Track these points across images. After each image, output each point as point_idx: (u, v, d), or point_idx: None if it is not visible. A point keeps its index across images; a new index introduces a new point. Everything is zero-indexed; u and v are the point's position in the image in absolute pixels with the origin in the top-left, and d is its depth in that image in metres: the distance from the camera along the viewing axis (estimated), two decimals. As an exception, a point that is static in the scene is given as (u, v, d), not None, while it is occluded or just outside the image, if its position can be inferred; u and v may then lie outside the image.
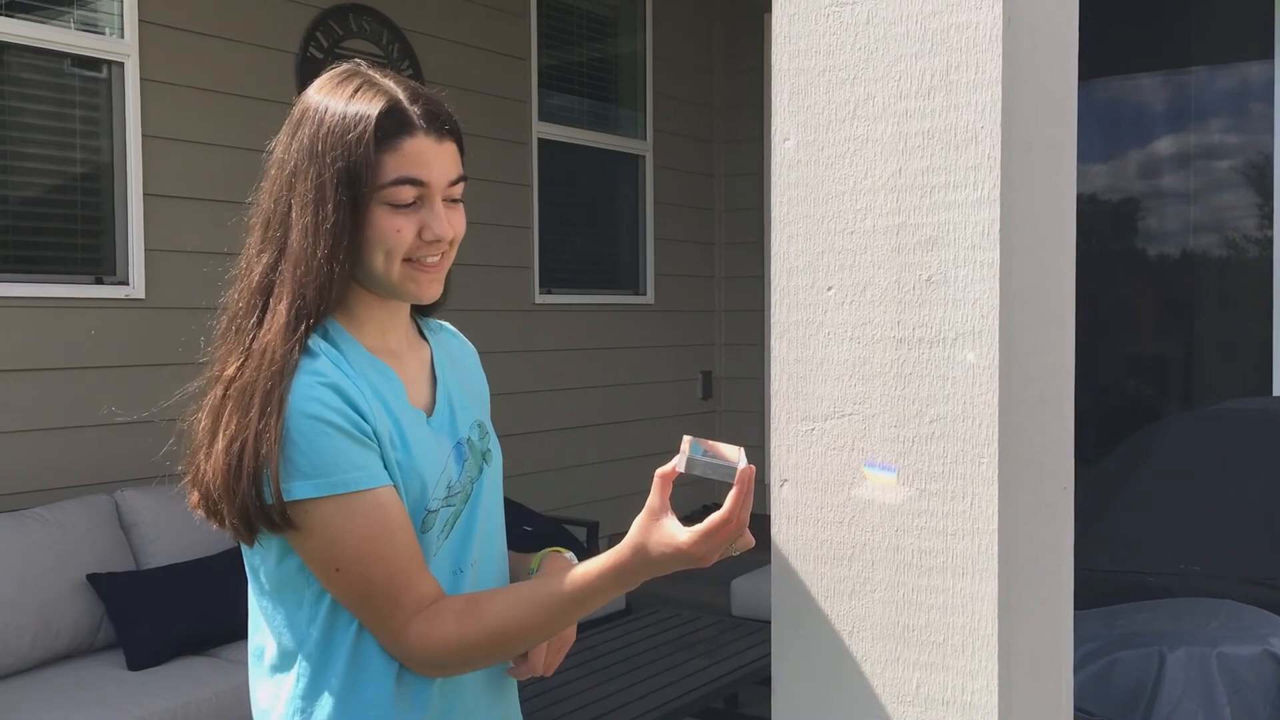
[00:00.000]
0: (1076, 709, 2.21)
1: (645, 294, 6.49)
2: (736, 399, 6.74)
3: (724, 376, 7.01)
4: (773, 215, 1.16)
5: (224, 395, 1.23)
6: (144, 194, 4.12)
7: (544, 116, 5.82)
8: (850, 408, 1.12)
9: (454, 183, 1.28)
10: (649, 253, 6.51)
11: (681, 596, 4.96)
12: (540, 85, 5.79)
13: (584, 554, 1.22)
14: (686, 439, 1.15)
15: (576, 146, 6.06)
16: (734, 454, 1.14)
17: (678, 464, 1.13)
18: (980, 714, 1.05)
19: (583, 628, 4.14)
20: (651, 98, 6.50)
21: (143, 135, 4.12)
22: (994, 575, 1.04)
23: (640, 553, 1.15)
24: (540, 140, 5.77)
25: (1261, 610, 2.55)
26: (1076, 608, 1.22)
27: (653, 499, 1.14)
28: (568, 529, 4.83)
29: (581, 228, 6.36)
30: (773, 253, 1.16)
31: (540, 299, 5.72)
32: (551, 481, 5.61)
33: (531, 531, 4.54)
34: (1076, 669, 2.34)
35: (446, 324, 1.49)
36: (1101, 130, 5.92)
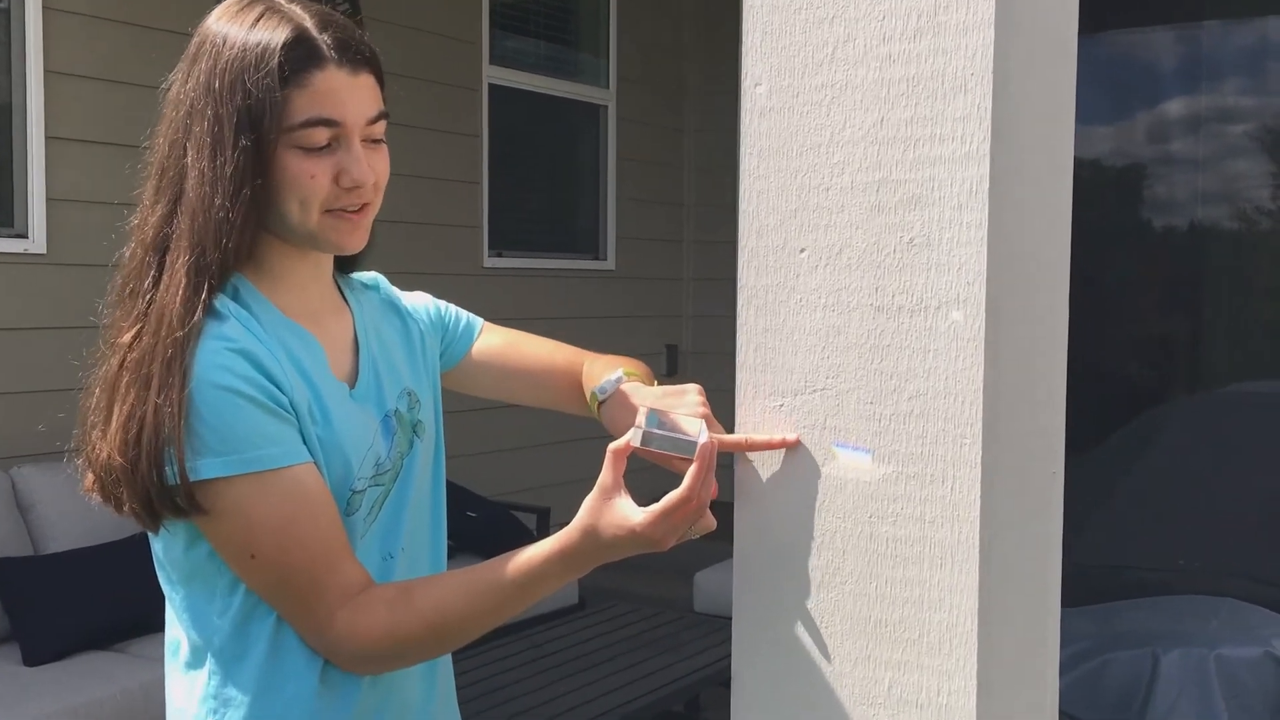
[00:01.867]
0: (1063, 713, 2.24)
1: (605, 259, 6.48)
2: (705, 376, 6.74)
3: (691, 351, 7.02)
4: (741, 169, 1.15)
5: (120, 365, 1.20)
6: (46, 137, 4.05)
7: (496, 60, 5.77)
8: (823, 382, 1.12)
9: (373, 120, 1.25)
10: (610, 214, 6.49)
11: (639, 590, 4.98)
12: (492, 25, 5.74)
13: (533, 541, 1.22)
14: (642, 410, 1.16)
15: (532, 94, 6.02)
16: (694, 428, 1.14)
17: (631, 438, 1.14)
18: (957, 717, 1.05)
19: (530, 623, 4.15)
20: (616, 42, 6.46)
21: (45, 71, 4.04)
22: (974, 566, 1.05)
23: (590, 535, 1.15)
24: (491, 86, 5.73)
25: (1265, 610, 2.60)
26: (1066, 605, 1.23)
27: (604, 477, 1.15)
28: (516, 515, 4.83)
29: (536, 185, 6.32)
30: (741, 210, 1.16)
31: (489, 262, 5.69)
32: (499, 464, 5.60)
33: (476, 518, 4.54)
34: (1065, 670, 2.38)
35: (370, 277, 1.49)
36: (1105, 90, 5.95)
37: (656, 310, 6.82)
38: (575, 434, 5.84)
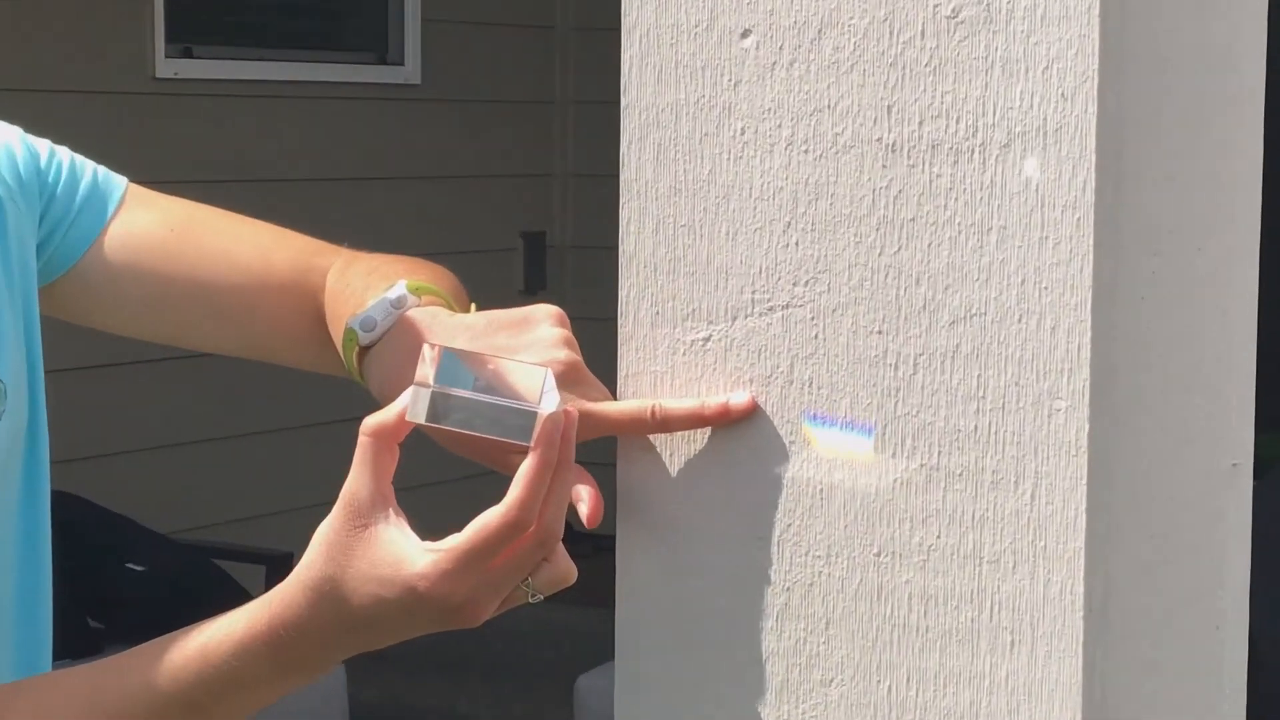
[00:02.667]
0: None
1: (401, 62, 6.43)
2: (594, 292, 6.74)
3: (572, 244, 7.01)
4: None
5: None
6: None
7: None
8: (785, 293, 1.13)
9: None
10: (410, -26, 6.45)
11: (467, 709, 4.98)
12: None
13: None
14: (430, 352, 1.15)
15: None
16: (532, 381, 1.14)
17: (409, 407, 1.14)
18: None
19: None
20: None
21: None
22: (1076, 646, 1.06)
23: (327, 597, 1.16)
24: None
25: None
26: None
27: (356, 484, 1.15)
28: (223, 568, 4.81)
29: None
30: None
31: (168, 68, 5.62)
32: (190, 472, 5.56)
33: (142, 572, 4.52)
34: None
35: None
36: None
37: (503, 165, 6.80)
38: (335, 414, 5.79)
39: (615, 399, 1.21)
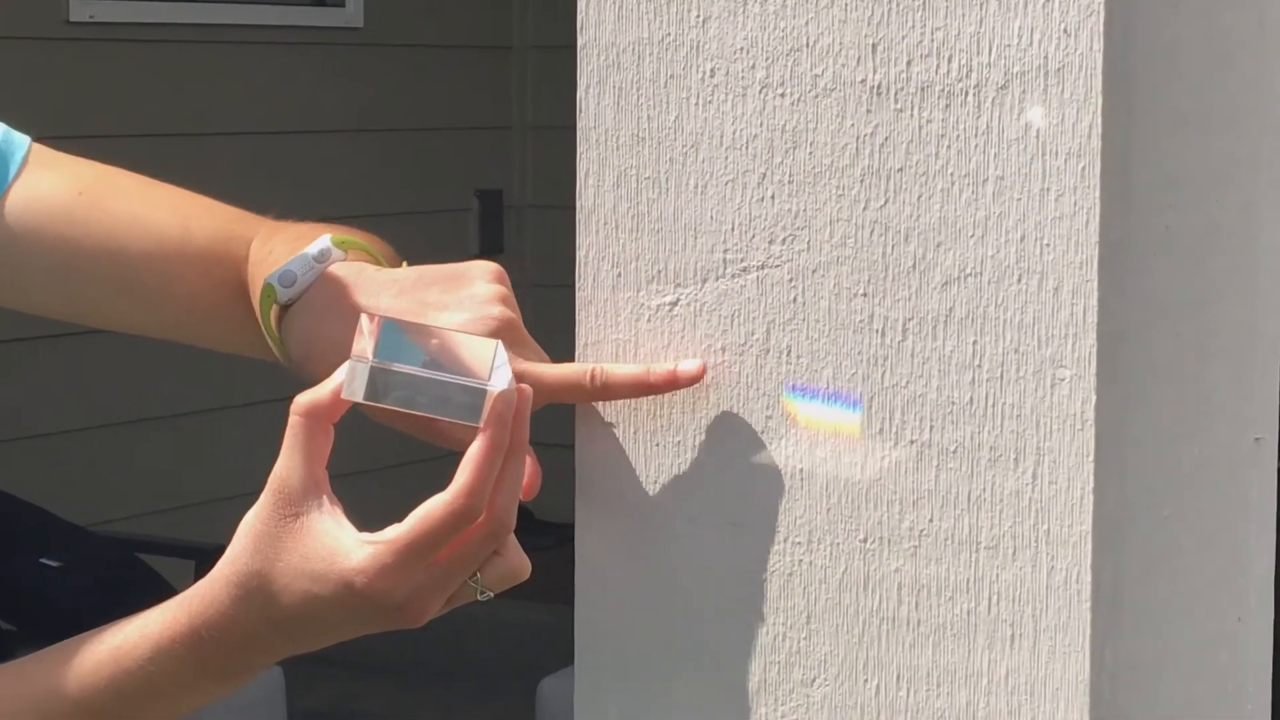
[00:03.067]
0: None
1: (342, 3, 6.42)
2: (556, 255, 6.73)
3: (532, 204, 7.02)
4: None
5: None
6: None
7: None
8: (761, 252, 1.13)
9: None
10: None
11: (421, 716, 4.98)
12: None
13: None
14: (371, 320, 1.14)
15: None
16: (483, 355, 1.13)
17: (345, 382, 1.14)
18: None
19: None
20: None
21: None
22: (1083, 640, 1.06)
23: (252, 593, 1.17)
24: None
25: None
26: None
27: (287, 467, 1.15)
28: (147, 562, 4.81)
29: None
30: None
31: (82, 10, 5.61)
32: (111, 458, 5.55)
33: (59, 568, 4.51)
34: None
35: None
36: None
37: (455, 117, 6.79)
38: (265, 393, 5.81)
39: (564, 366, 1.21)
